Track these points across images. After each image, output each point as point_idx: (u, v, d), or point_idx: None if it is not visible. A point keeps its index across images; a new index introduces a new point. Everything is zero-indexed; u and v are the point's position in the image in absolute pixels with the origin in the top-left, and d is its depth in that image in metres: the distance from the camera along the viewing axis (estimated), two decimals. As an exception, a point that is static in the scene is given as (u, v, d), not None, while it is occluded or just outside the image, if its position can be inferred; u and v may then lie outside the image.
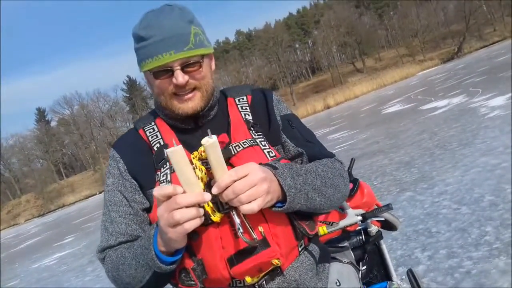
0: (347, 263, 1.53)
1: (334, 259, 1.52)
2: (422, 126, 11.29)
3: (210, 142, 1.00)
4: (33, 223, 51.00)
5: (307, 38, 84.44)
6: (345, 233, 2.10)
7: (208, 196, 1.02)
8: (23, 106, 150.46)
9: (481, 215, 4.27)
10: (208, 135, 1.05)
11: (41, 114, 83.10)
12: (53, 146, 77.43)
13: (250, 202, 1.04)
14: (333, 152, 1.38)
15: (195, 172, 1.04)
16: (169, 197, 1.02)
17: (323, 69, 79.69)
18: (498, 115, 9.06)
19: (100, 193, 56.83)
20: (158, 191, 1.02)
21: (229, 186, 1.03)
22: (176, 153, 0.98)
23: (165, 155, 1.18)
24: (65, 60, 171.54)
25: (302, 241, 1.28)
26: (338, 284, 1.38)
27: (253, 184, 1.03)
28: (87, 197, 60.51)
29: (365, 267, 2.06)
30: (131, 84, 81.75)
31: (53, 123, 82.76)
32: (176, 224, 1.01)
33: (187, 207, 1.00)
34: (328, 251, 1.46)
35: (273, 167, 1.14)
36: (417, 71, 54.55)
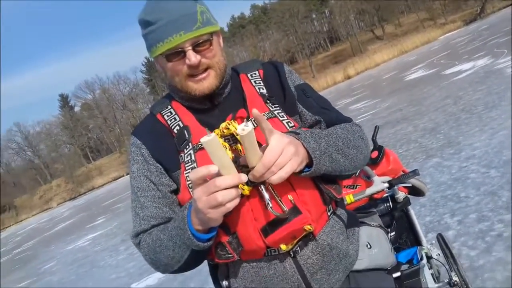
0: (376, 226, 1.55)
1: (363, 223, 1.54)
2: (446, 91, 11.07)
3: (248, 131, 1.01)
4: (65, 206, 52.47)
5: (323, 7, 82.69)
6: (372, 201, 2.11)
7: (245, 177, 1.04)
8: (46, 93, 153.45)
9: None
10: (223, 115, 1.08)
11: (64, 100, 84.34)
12: (78, 131, 78.82)
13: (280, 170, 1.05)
14: (355, 121, 1.39)
15: (227, 155, 1.06)
16: (205, 179, 1.04)
17: (341, 39, 78.24)
18: (525, 75, 8.82)
19: (127, 174, 57.78)
20: (193, 174, 1.04)
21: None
22: (211, 141, 1.00)
23: (197, 144, 1.22)
24: (84, 45, 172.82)
25: (330, 206, 1.30)
26: (369, 246, 1.40)
27: (280, 151, 1.04)
28: (115, 178, 61.68)
29: (393, 233, 2.07)
30: (150, 65, 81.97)
31: (76, 108, 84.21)
32: (218, 205, 1.03)
33: (226, 189, 1.03)
34: (356, 216, 1.49)
35: (295, 133, 1.16)
36: (439, 35, 53.05)
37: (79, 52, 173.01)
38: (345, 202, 1.87)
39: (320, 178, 1.23)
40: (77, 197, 62.33)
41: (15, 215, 67.99)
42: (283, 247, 1.18)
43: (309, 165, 1.14)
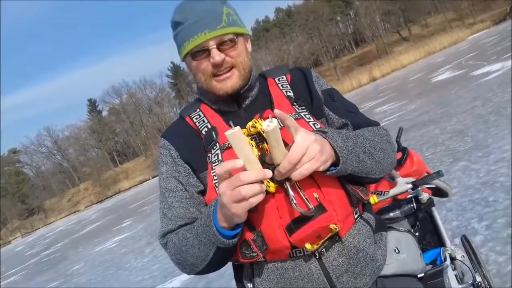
0: (405, 231, 1.53)
1: (391, 228, 1.52)
2: (475, 93, 10.82)
3: (272, 127, 1.02)
4: (92, 209, 53.44)
5: (348, 9, 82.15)
6: (396, 202, 2.10)
7: (269, 173, 1.05)
8: (75, 99, 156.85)
9: (542, 181, 4.08)
10: (250, 117, 1.11)
11: (92, 105, 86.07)
12: (105, 135, 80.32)
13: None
14: (380, 124, 1.38)
15: (253, 150, 1.08)
16: (230, 173, 1.05)
17: (367, 41, 77.50)
18: (557, 75, 8.55)
19: (153, 177, 58.59)
20: (219, 168, 1.05)
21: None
22: (235, 134, 1.01)
23: (220, 137, 1.26)
24: (111, 50, 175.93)
25: (357, 208, 1.29)
26: (397, 251, 1.38)
27: (305, 149, 1.05)
28: (141, 182, 62.55)
29: (417, 234, 2.05)
30: (176, 70, 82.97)
31: (104, 113, 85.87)
32: (241, 200, 1.04)
33: (250, 183, 1.04)
34: (384, 221, 1.47)
35: (323, 132, 1.16)
36: (467, 35, 52.02)
37: (106, 57, 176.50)
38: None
39: (346, 179, 1.22)
40: (104, 200, 63.42)
41: (44, 217, 69.59)
42: (308, 246, 1.17)
43: (335, 164, 1.14)
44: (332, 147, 1.13)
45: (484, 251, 3.32)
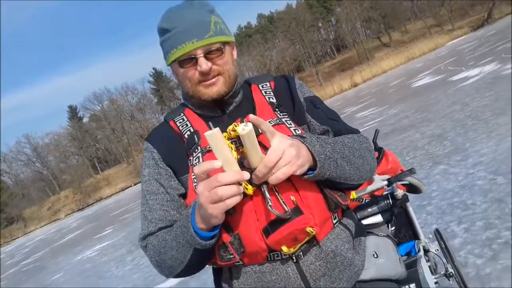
0: (384, 236, 1.54)
1: (370, 233, 1.54)
2: (453, 97, 10.99)
3: (247, 130, 1.04)
4: (73, 217, 52.67)
5: (330, 16, 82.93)
6: (374, 198, 2.22)
7: (247, 175, 1.07)
8: (55, 106, 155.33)
9: (519, 184, 4.14)
10: (232, 122, 1.13)
11: (73, 112, 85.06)
12: (86, 141, 79.36)
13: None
14: (361, 130, 1.40)
15: (231, 152, 1.09)
16: (208, 174, 1.06)
17: (348, 46, 78.28)
18: (533, 80, 8.73)
19: (135, 184, 58.07)
20: (197, 168, 1.06)
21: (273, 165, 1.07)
22: (214, 135, 1.03)
23: (198, 138, 1.29)
24: (93, 57, 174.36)
25: (336, 214, 1.30)
26: (375, 256, 1.39)
27: (281, 153, 1.07)
28: (123, 189, 61.92)
29: (393, 228, 2.19)
30: (158, 75, 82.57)
31: (85, 120, 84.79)
32: (218, 201, 1.05)
33: (227, 184, 1.04)
34: (363, 226, 1.49)
35: (301, 137, 1.17)
36: (446, 41, 52.93)
37: (88, 64, 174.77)
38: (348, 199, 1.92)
39: (325, 185, 1.23)
40: (85, 208, 62.58)
41: (23, 226, 68.33)
42: (285, 249, 1.17)
43: (313, 168, 1.16)
44: (310, 151, 1.14)
45: (463, 253, 3.36)
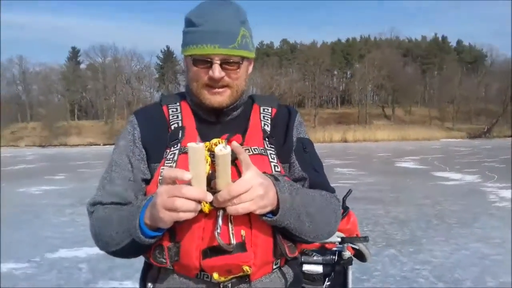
0: None
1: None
2: (428, 191, 11.25)
3: (224, 153, 1.04)
4: (32, 150, 51.52)
5: (347, 68, 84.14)
6: (322, 249, 2.27)
7: (210, 197, 1.06)
8: (61, 41, 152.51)
9: (455, 296, 4.28)
10: (221, 134, 1.11)
11: (74, 54, 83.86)
12: (75, 86, 77.95)
13: (239, 204, 1.07)
14: (333, 186, 1.39)
15: (205, 169, 1.09)
16: (175, 181, 1.06)
17: (352, 103, 79.26)
18: (505, 206, 9.03)
19: (104, 145, 57.19)
20: (168, 171, 1.06)
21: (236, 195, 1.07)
22: (197, 150, 1.03)
23: (182, 146, 1.25)
24: (117, 12, 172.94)
25: (279, 260, 1.28)
26: None
27: (248, 187, 1.06)
28: (91, 144, 60.89)
29: (329, 283, 2.22)
30: (168, 54, 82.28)
31: (82, 66, 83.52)
32: (172, 210, 1.04)
33: (188, 199, 1.04)
34: (301, 279, 1.44)
35: (275, 179, 1.16)
36: (442, 137, 54.23)
37: (112, 16, 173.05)
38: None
39: (280, 231, 1.22)
40: (47, 146, 61.30)
41: (-21, 139, 66.46)
42: (215, 276, 1.16)
43: (274, 213, 1.14)
44: (278, 196, 1.13)
45: None
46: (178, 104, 1.38)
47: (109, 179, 1.32)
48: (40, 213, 9.38)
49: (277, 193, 1.13)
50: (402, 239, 6.60)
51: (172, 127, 1.32)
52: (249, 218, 1.16)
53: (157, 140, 1.31)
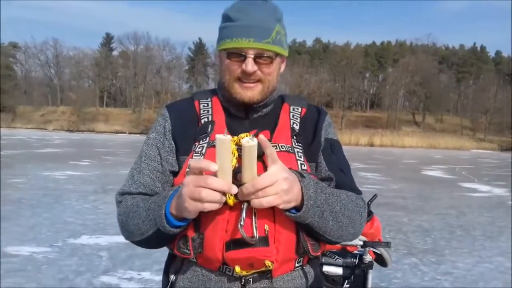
0: None
1: None
2: (454, 202, 10.98)
3: (250, 144, 1.05)
4: (60, 134, 52.71)
5: (379, 72, 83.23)
6: (344, 251, 2.30)
7: (234, 190, 1.06)
8: (97, 26, 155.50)
9: (477, 312, 4.11)
10: (250, 129, 1.14)
11: (108, 40, 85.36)
12: (106, 73, 79.46)
13: (264, 197, 1.07)
14: (363, 196, 1.37)
15: (231, 162, 1.09)
16: (201, 172, 1.07)
17: (382, 107, 78.37)
18: (534, 223, 8.72)
19: (129, 133, 58.10)
20: (194, 162, 1.07)
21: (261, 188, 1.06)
22: (224, 141, 1.05)
23: (211, 138, 1.28)
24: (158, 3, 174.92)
25: (302, 259, 1.28)
26: None
27: (273, 181, 1.06)
28: (117, 132, 61.94)
29: (348, 286, 2.25)
30: (200, 47, 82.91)
31: (114, 53, 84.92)
32: (198, 200, 1.05)
33: (213, 190, 1.05)
34: (321, 280, 1.45)
35: (301, 175, 1.16)
36: (473, 147, 53.13)
37: (149, 3, 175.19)
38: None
39: (304, 229, 1.21)
40: (75, 131, 62.63)
41: (11, 120, 68.29)
42: (237, 270, 1.16)
43: (298, 209, 1.13)
44: (302, 192, 1.13)
45: None
46: (209, 99, 1.41)
47: (138, 169, 1.36)
48: (63, 198, 9.51)
49: (302, 189, 1.13)
50: (424, 248, 6.42)
51: (202, 121, 1.34)
52: (273, 213, 1.16)
53: (187, 134, 1.34)
